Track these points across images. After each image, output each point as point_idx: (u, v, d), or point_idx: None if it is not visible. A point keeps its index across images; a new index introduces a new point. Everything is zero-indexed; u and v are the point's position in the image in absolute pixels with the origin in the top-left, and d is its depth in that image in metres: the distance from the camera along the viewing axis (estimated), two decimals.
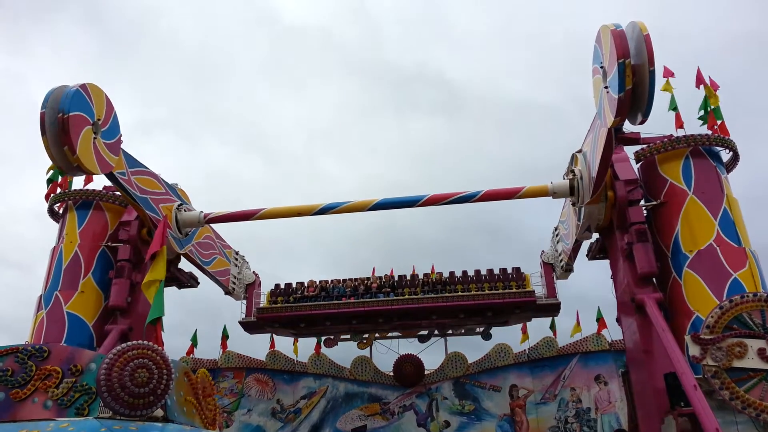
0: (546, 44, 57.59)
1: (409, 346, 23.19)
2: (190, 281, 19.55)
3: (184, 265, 19.22)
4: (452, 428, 21.75)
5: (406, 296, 19.97)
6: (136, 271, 16.63)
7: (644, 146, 16.16)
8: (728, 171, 16.03)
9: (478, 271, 20.32)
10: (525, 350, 22.53)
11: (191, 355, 23.21)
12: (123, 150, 15.16)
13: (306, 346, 24.12)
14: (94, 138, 13.54)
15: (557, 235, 20.24)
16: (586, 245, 18.13)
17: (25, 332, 16.36)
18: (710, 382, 11.38)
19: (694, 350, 11.59)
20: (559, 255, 19.83)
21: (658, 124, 17.00)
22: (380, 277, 20.94)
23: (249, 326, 21.25)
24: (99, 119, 13.72)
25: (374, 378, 22.98)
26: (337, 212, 16.89)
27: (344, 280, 20.98)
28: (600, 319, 22.00)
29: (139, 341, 8.73)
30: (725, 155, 15.98)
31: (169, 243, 16.67)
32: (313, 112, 62.30)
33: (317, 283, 20.91)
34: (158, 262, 14.71)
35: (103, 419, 8.06)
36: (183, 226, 17.47)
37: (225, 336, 23.94)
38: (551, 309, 20.04)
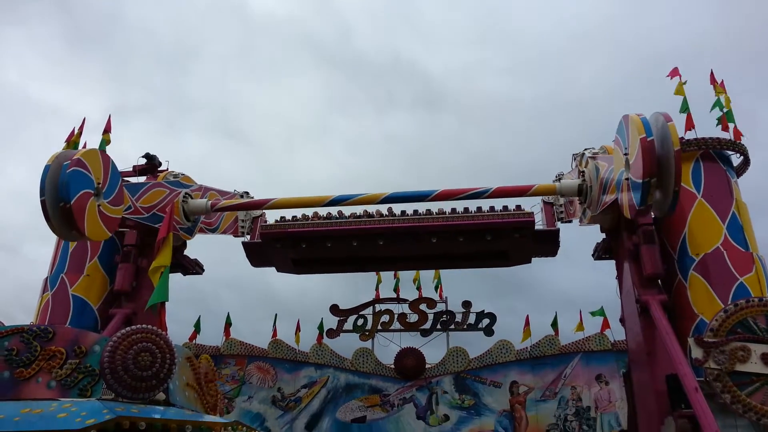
0: (525, 39, 57.34)
1: (411, 339, 23.28)
2: (195, 268, 19.60)
3: (193, 245, 19.26)
4: (451, 422, 21.82)
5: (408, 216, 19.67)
6: (141, 257, 16.71)
7: None
8: (738, 175, 15.92)
9: (479, 207, 19.69)
10: (527, 347, 22.55)
11: (194, 341, 23.38)
12: (124, 184, 14.96)
13: (308, 337, 24.26)
14: (99, 205, 13.34)
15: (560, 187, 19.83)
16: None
17: (8, 316, 16.36)
18: (712, 385, 11.34)
19: (696, 353, 11.55)
20: (561, 206, 19.37)
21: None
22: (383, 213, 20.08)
23: (252, 250, 20.63)
24: (99, 183, 13.40)
25: (375, 370, 23.07)
26: (348, 204, 16.97)
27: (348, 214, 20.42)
28: (603, 319, 22.01)
29: (143, 325, 8.79)
30: (736, 159, 15.88)
31: (178, 236, 16.85)
32: (288, 104, 62.33)
33: (321, 215, 20.41)
34: (164, 248, 14.83)
35: (105, 401, 8.11)
36: (190, 215, 17.57)
37: (228, 323, 24.10)
38: (550, 239, 19.35)
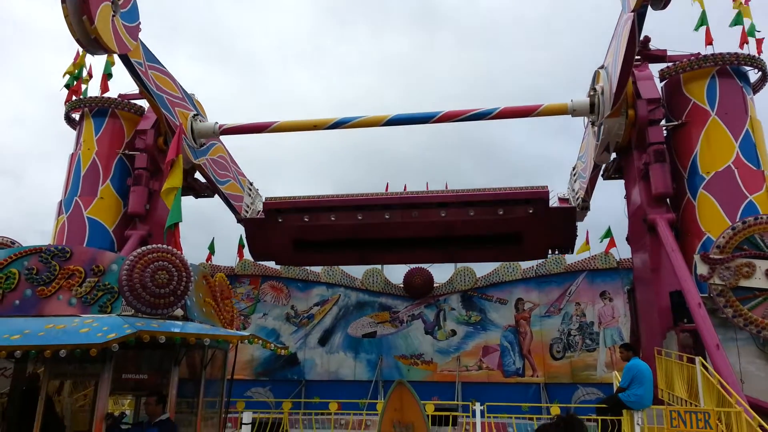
0: None
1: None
2: (206, 191, 19.74)
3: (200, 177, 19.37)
4: (458, 337, 22.58)
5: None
6: (153, 179, 16.86)
7: (670, 64, 15.63)
8: (755, 92, 15.54)
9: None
10: (533, 266, 22.92)
11: (209, 262, 23.95)
12: (141, 42, 14.64)
13: None
14: (113, 15, 12.99)
15: (575, 174, 19.71)
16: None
17: (21, 238, 16.32)
18: (715, 300, 11.60)
19: (702, 269, 11.74)
20: (576, 193, 19.19)
21: (683, 43, 16.32)
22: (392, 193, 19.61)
23: (253, 227, 20.26)
24: None
25: (385, 289, 23.67)
26: (351, 126, 16.38)
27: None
28: (610, 238, 22.21)
29: (159, 245, 8.98)
30: (753, 75, 15.45)
31: (184, 152, 16.71)
32: (281, 27, 59.87)
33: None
34: (175, 170, 14.87)
35: (126, 317, 8.43)
36: (198, 137, 17.35)
37: (241, 245, 24.54)
38: (566, 221, 18.59)
